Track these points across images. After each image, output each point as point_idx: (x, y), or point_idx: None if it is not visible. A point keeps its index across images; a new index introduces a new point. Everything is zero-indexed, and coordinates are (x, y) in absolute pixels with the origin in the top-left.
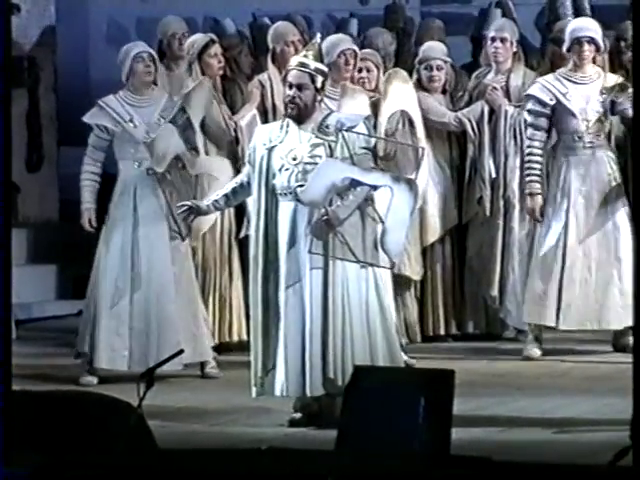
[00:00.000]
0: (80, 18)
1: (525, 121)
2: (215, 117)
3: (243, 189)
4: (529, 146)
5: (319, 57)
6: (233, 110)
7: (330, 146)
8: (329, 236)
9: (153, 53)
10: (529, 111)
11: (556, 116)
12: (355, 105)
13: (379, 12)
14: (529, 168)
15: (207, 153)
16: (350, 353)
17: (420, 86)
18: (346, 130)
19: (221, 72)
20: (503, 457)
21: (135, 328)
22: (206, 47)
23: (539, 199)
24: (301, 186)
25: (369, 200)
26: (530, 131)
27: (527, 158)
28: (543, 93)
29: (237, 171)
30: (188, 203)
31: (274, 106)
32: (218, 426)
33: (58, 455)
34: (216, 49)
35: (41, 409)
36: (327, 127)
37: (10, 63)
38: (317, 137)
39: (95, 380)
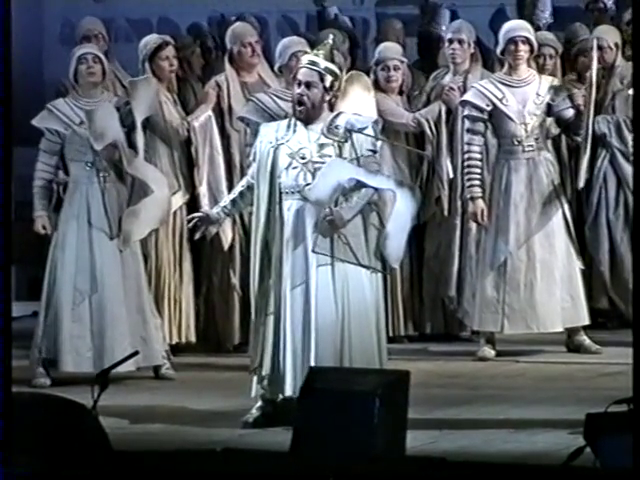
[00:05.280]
0: (34, 18)
1: (462, 127)
2: (167, 117)
3: (250, 190)
4: (468, 151)
5: (330, 57)
6: (185, 110)
7: (339, 146)
8: (333, 236)
9: (99, 54)
10: (466, 117)
11: (494, 121)
12: None
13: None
14: (469, 173)
15: (154, 154)
16: (357, 354)
17: (377, 87)
18: (356, 131)
19: (172, 75)
20: (458, 458)
21: (94, 330)
22: (158, 49)
23: (480, 203)
24: (309, 185)
25: (373, 205)
26: (468, 136)
27: (466, 163)
28: (478, 99)
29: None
30: (198, 214)
31: (230, 107)
32: (173, 427)
33: (13, 458)
34: (168, 51)
35: None
36: (336, 127)
37: (10, 64)
38: (326, 137)
39: (48, 381)
